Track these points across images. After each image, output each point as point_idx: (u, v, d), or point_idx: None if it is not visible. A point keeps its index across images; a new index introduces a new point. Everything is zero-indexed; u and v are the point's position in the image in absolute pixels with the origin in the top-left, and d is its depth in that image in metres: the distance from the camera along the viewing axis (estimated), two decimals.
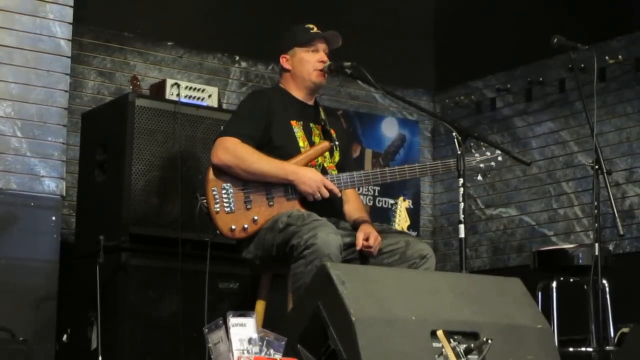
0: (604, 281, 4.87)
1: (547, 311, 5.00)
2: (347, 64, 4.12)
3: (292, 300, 3.80)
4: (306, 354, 3.18)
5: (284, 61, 4.22)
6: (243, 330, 3.20)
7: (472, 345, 3.16)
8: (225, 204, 3.96)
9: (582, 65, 5.82)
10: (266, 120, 4.07)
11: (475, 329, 3.24)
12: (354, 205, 4.22)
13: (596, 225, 4.22)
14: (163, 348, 4.77)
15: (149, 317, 4.77)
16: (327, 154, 4.14)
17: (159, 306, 4.82)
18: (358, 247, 3.93)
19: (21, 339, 4.38)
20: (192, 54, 6.57)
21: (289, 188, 4.00)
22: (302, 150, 4.08)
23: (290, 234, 3.77)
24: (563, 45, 4.36)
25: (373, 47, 6.92)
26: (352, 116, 7.20)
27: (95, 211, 5.09)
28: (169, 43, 6.49)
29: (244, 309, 3.33)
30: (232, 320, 3.20)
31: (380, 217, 6.88)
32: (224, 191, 3.97)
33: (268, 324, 3.62)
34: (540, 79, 6.78)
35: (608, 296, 5.17)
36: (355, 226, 4.04)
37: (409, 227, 6.58)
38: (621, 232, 4.25)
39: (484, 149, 4.11)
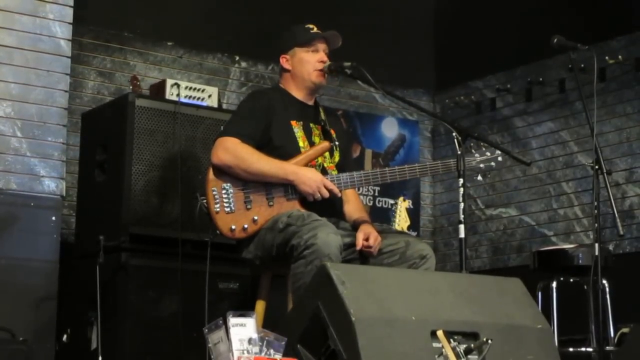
0: (604, 281, 4.87)
1: (547, 311, 5.00)
2: (347, 64, 4.12)
3: (292, 300, 3.80)
4: (306, 354, 3.18)
5: (284, 61, 4.22)
6: (243, 330, 3.20)
7: (472, 345, 3.16)
8: (225, 204, 3.96)
9: (582, 65, 5.82)
10: (266, 120, 4.07)
11: (475, 329, 3.24)
12: (353, 206, 4.22)
13: (596, 225, 4.22)
14: (163, 348, 4.77)
15: (149, 317, 4.77)
16: (327, 154, 4.14)
17: (159, 306, 4.81)
18: (358, 247, 3.93)
19: (21, 339, 4.38)
20: (192, 54, 6.57)
21: (289, 188, 4.00)
22: (302, 150, 4.08)
23: (290, 234, 3.77)
24: (563, 45, 4.36)
25: (373, 47, 6.92)
26: (352, 116, 7.20)
27: (95, 211, 5.09)
28: (169, 43, 6.49)
29: (244, 309, 3.33)
30: (232, 320, 3.20)
31: (380, 217, 6.88)
32: (224, 191, 3.97)
33: (268, 324, 3.62)
34: (540, 79, 6.78)
35: (608, 296, 5.17)
36: (355, 226, 4.04)
37: (409, 227, 6.57)
38: (621, 232, 4.25)
39: (484, 149, 4.11)
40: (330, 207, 4.03)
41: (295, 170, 3.97)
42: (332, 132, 4.24)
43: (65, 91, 5.00)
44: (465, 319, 3.27)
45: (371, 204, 7.12)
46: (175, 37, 6.49)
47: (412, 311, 3.18)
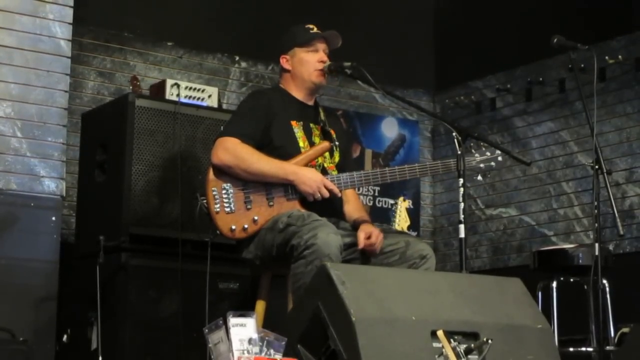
0: (604, 281, 4.87)
1: (547, 311, 5.00)
2: (347, 64, 4.12)
3: (292, 300, 3.80)
4: (306, 354, 3.18)
5: (284, 61, 4.22)
6: (243, 330, 3.20)
7: (472, 345, 3.16)
8: (226, 204, 3.96)
9: (582, 65, 5.82)
10: (266, 121, 4.07)
11: (475, 329, 3.24)
12: (353, 206, 4.22)
13: (596, 225, 4.22)
14: (163, 348, 4.77)
15: (149, 317, 4.77)
16: (327, 154, 4.14)
17: (159, 306, 4.81)
18: (360, 246, 3.93)
19: (21, 339, 4.38)
20: (192, 54, 6.57)
21: (289, 188, 4.00)
22: (302, 150, 4.08)
23: (290, 234, 3.77)
24: (563, 45, 4.36)
25: (373, 47, 6.93)
26: (352, 116, 7.20)
27: (95, 211, 5.09)
28: (169, 43, 6.49)
29: (244, 309, 3.33)
30: (232, 321, 3.20)
31: (380, 217, 6.88)
32: (224, 191, 3.97)
33: (268, 324, 3.62)
34: (540, 79, 6.78)
35: (608, 296, 5.17)
36: (355, 226, 4.04)
37: (409, 227, 6.58)
38: (621, 232, 4.25)
39: (484, 149, 4.11)
40: (330, 207, 4.03)
41: (296, 170, 3.97)
42: (332, 132, 4.23)
43: (65, 91, 5.00)
44: (466, 319, 3.27)
45: (371, 204, 7.12)
46: (175, 37, 6.49)
47: (412, 311, 3.18)
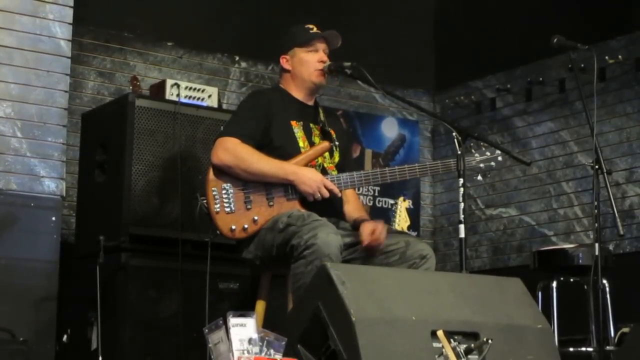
0: (604, 281, 4.87)
1: (547, 311, 5.00)
2: (347, 64, 4.12)
3: (292, 300, 3.80)
4: (306, 354, 3.18)
5: (284, 62, 4.22)
6: (243, 330, 3.20)
7: (473, 345, 3.16)
8: (226, 204, 3.96)
9: (582, 65, 5.82)
10: (266, 121, 4.07)
11: (475, 329, 3.24)
12: (353, 206, 4.22)
13: (596, 225, 4.22)
14: (163, 348, 4.77)
15: (149, 318, 4.77)
16: (326, 154, 4.14)
17: (159, 306, 4.81)
18: (365, 242, 3.91)
19: (21, 339, 4.38)
20: (192, 54, 6.57)
21: (289, 188, 4.00)
22: (302, 150, 4.08)
23: (290, 234, 3.77)
24: (563, 45, 4.36)
25: (373, 47, 6.93)
26: (352, 116, 7.20)
27: (95, 211, 5.09)
28: (169, 43, 6.49)
29: (244, 309, 3.32)
30: (232, 321, 3.20)
31: (380, 217, 6.84)
32: (224, 191, 3.97)
33: (268, 324, 3.62)
34: (540, 79, 6.78)
35: (608, 296, 5.17)
36: (356, 225, 4.04)
37: (409, 227, 6.56)
38: (621, 232, 4.25)
39: (483, 149, 4.11)
40: (330, 207, 4.02)
41: (295, 170, 3.97)
42: (332, 132, 4.23)
43: (65, 91, 5.00)
44: (466, 319, 3.27)
45: (371, 204, 7.12)
46: (175, 37, 6.49)
47: (412, 311, 3.18)
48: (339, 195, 4.07)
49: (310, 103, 4.25)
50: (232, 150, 3.96)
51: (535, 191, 6.80)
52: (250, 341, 3.18)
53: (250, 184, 3.99)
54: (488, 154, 4.10)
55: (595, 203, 4.19)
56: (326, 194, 3.95)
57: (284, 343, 3.18)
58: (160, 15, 6.46)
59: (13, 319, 4.54)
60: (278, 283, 4.13)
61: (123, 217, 4.82)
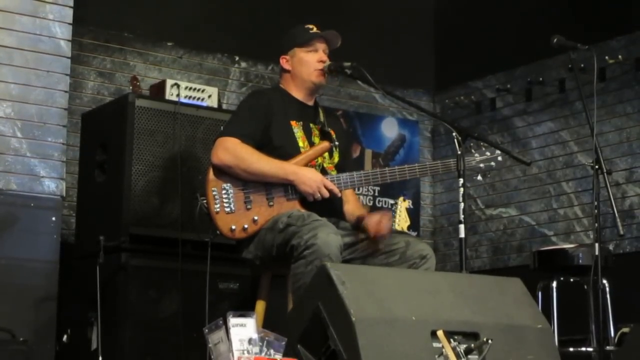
0: (604, 281, 4.87)
1: (547, 311, 5.00)
2: (347, 64, 4.12)
3: (292, 300, 3.80)
4: (306, 354, 3.18)
5: (284, 62, 4.22)
6: (243, 330, 3.20)
7: (473, 345, 3.16)
8: (225, 204, 3.96)
9: (582, 65, 5.82)
10: (266, 121, 4.07)
11: (475, 329, 3.24)
12: (353, 205, 4.22)
13: (596, 225, 4.22)
14: (163, 348, 4.77)
15: (149, 318, 4.77)
16: (326, 154, 4.14)
17: (159, 306, 4.81)
18: (372, 232, 3.93)
19: (21, 339, 4.38)
20: (192, 55, 6.57)
21: (289, 188, 4.00)
22: (302, 150, 4.08)
23: (290, 234, 3.77)
24: (563, 45, 4.36)
25: (373, 47, 6.93)
26: (352, 116, 7.20)
27: (95, 211, 5.09)
28: (169, 43, 6.49)
29: (244, 309, 3.32)
30: (232, 321, 3.20)
31: None
32: (224, 191, 3.97)
33: (268, 324, 3.62)
34: (540, 79, 6.78)
35: (608, 296, 5.17)
36: (359, 221, 4.04)
37: (409, 228, 6.55)
38: (621, 232, 4.25)
39: (483, 149, 4.11)
40: (330, 207, 4.02)
41: (295, 170, 3.97)
42: (332, 132, 4.23)
43: (65, 91, 5.00)
44: (466, 319, 3.27)
45: (371, 204, 7.12)
46: (175, 38, 6.49)
47: (412, 311, 3.18)
48: (339, 195, 4.07)
49: (310, 103, 4.25)
50: (232, 150, 3.96)
51: (535, 191, 6.80)
52: (250, 341, 3.18)
53: (250, 184, 3.99)
54: (488, 154, 4.10)
55: (595, 203, 4.19)
56: (326, 194, 3.95)
57: (284, 343, 3.18)
58: (160, 15, 6.46)
59: (13, 319, 4.54)
60: (278, 283, 4.13)
61: (123, 217, 4.82)
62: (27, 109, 4.88)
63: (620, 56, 6.25)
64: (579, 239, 6.39)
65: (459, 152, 3.77)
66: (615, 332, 5.18)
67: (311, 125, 4.18)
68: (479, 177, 4.11)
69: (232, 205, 3.96)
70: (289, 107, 4.15)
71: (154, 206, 4.89)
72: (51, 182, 4.90)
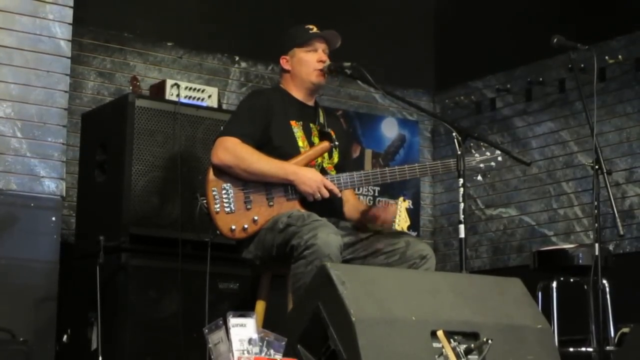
0: (604, 281, 4.87)
1: (547, 311, 5.00)
2: (347, 64, 4.12)
3: (292, 300, 3.80)
4: (306, 354, 3.18)
5: (284, 62, 4.22)
6: (243, 330, 3.20)
7: (472, 345, 3.16)
8: (225, 204, 3.96)
9: (582, 65, 5.82)
10: (266, 120, 4.06)
11: (475, 329, 3.24)
12: (354, 205, 4.23)
13: (596, 225, 4.22)
14: (163, 348, 4.77)
15: (149, 318, 4.77)
16: (326, 154, 4.14)
17: (159, 306, 4.82)
18: (380, 217, 4.01)
19: (21, 339, 4.38)
20: (192, 55, 6.57)
21: (289, 188, 3.99)
22: (302, 150, 4.07)
23: (290, 235, 3.77)
24: (563, 45, 4.36)
25: (373, 47, 6.93)
26: (352, 116, 7.20)
27: (95, 211, 5.09)
28: (169, 43, 6.49)
29: (244, 309, 3.32)
30: (232, 321, 3.20)
31: None
32: (224, 191, 3.97)
33: (268, 324, 3.62)
34: (540, 79, 6.78)
35: (608, 296, 5.17)
36: (364, 212, 4.09)
37: (409, 228, 6.55)
38: (621, 232, 4.24)
39: (483, 149, 4.10)
40: (330, 207, 4.02)
41: (296, 171, 3.97)
42: (332, 132, 4.23)
43: (65, 92, 5.00)
44: (466, 319, 3.27)
45: (371, 204, 7.11)
46: (175, 38, 6.49)
47: (412, 311, 3.18)
48: (339, 195, 4.07)
49: (311, 103, 4.25)
50: (232, 150, 3.96)
51: (535, 191, 6.80)
52: (250, 341, 3.18)
53: (250, 184, 3.99)
54: (488, 154, 4.09)
55: (595, 203, 4.19)
56: (326, 194, 3.95)
57: (284, 343, 3.18)
58: (160, 15, 6.46)
59: (13, 319, 4.54)
60: (278, 283, 4.13)
61: (123, 217, 4.82)
62: (27, 109, 4.88)
63: (620, 56, 6.25)
64: (579, 239, 6.39)
65: (459, 152, 3.77)
66: (615, 332, 5.18)
67: (311, 125, 4.18)
68: (479, 178, 4.11)
69: (232, 205, 3.96)
70: (289, 107, 4.15)
71: (154, 206, 4.89)
72: (51, 182, 4.90)
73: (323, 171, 4.09)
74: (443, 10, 7.57)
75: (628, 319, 5.05)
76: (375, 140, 7.30)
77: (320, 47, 4.18)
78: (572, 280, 5.31)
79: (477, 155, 4.09)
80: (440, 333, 3.10)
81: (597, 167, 4.25)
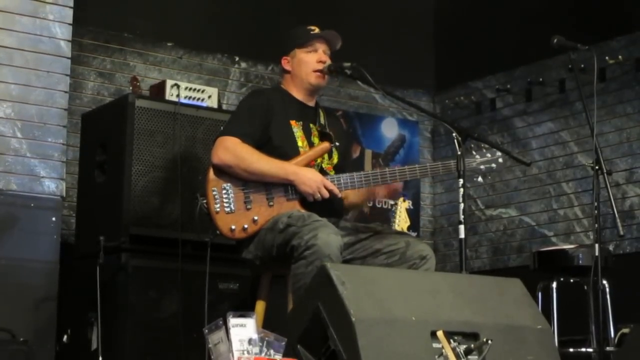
0: (604, 282, 4.87)
1: (547, 312, 5.00)
2: (347, 64, 4.12)
3: (292, 300, 3.80)
4: (306, 354, 3.18)
5: (285, 62, 4.22)
6: (243, 330, 3.20)
7: (472, 345, 3.16)
8: (225, 204, 3.96)
9: (582, 66, 5.82)
10: (266, 120, 4.07)
11: (475, 330, 3.24)
12: (354, 194, 4.25)
13: (596, 225, 4.22)
14: (163, 349, 4.77)
15: (149, 318, 4.77)
16: (325, 155, 4.14)
17: (159, 307, 4.82)
18: (378, 197, 4.01)
19: (21, 339, 4.38)
20: (192, 55, 6.57)
21: (289, 188, 4.00)
22: (301, 150, 4.08)
23: (290, 235, 3.77)
24: (563, 45, 4.36)
25: (373, 47, 6.93)
26: (352, 116, 7.20)
27: (95, 212, 5.09)
28: (169, 44, 6.49)
29: (244, 310, 3.33)
30: (232, 321, 3.20)
31: (380, 217, 6.88)
32: (224, 191, 3.97)
33: (268, 324, 3.62)
34: (540, 79, 6.78)
35: (608, 296, 5.17)
36: (363, 192, 4.17)
37: (409, 228, 6.55)
38: (621, 233, 4.24)
39: (484, 150, 4.10)
40: (330, 208, 4.03)
41: (296, 171, 3.97)
42: (332, 133, 4.23)
43: (65, 92, 5.00)
44: (465, 320, 3.27)
45: (371, 204, 7.12)
46: (175, 38, 6.49)
47: (412, 311, 3.18)
48: (339, 195, 4.07)
49: (311, 104, 4.25)
50: (232, 150, 3.96)
51: (535, 192, 6.80)
52: (250, 341, 3.18)
53: (250, 183, 3.99)
54: (489, 155, 4.09)
55: (595, 203, 4.19)
56: (326, 195, 3.96)
57: (284, 343, 3.18)
58: (160, 15, 6.46)
59: (13, 319, 4.54)
60: (278, 283, 4.13)
61: (123, 217, 4.82)
62: (27, 109, 4.88)
63: (620, 56, 6.25)
64: (579, 240, 6.39)
65: (459, 153, 3.77)
66: (615, 332, 5.18)
67: (311, 125, 4.18)
68: (479, 179, 4.11)
69: (232, 205, 3.96)
70: (289, 107, 4.16)
71: (154, 206, 4.89)
72: (51, 182, 4.90)
73: (322, 171, 4.09)
74: (443, 10, 7.57)
75: (628, 319, 5.05)
76: (375, 140, 7.30)
77: (321, 47, 4.18)
78: (572, 280, 5.31)
79: (477, 156, 4.09)
80: (440, 333, 3.10)
81: (597, 167, 4.25)
